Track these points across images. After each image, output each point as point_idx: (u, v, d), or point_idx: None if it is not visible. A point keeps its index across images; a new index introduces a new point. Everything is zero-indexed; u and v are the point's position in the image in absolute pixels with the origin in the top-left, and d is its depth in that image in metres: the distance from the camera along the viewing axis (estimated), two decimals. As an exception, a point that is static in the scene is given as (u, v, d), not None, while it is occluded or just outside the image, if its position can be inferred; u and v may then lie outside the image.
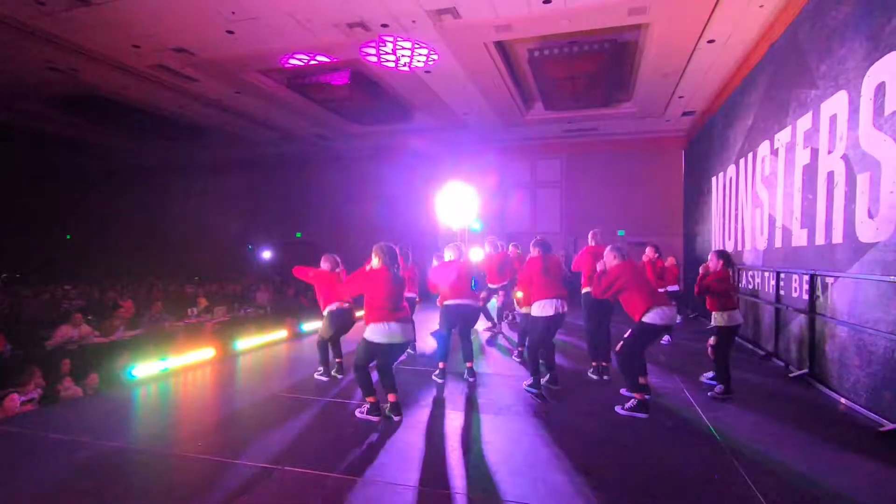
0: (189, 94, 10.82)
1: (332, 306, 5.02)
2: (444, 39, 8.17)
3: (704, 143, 10.59)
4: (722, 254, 4.85)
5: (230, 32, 7.79)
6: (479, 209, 11.04)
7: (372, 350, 3.92)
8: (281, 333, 7.17)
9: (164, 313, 8.16)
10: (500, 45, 8.76)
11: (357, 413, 3.98)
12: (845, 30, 4.58)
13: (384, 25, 7.65)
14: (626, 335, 4.21)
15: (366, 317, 3.92)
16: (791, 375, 5.30)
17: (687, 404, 4.36)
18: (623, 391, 4.46)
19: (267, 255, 16.53)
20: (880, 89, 4.03)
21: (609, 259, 4.40)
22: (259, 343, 6.65)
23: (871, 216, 4.14)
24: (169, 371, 5.33)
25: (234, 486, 2.88)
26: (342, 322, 5.10)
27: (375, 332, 3.84)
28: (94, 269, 16.27)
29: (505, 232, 13.73)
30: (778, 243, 6.14)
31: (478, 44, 8.40)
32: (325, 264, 5.18)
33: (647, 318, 4.06)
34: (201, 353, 5.75)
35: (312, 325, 7.93)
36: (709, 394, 4.58)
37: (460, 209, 9.86)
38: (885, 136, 3.95)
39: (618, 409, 4.13)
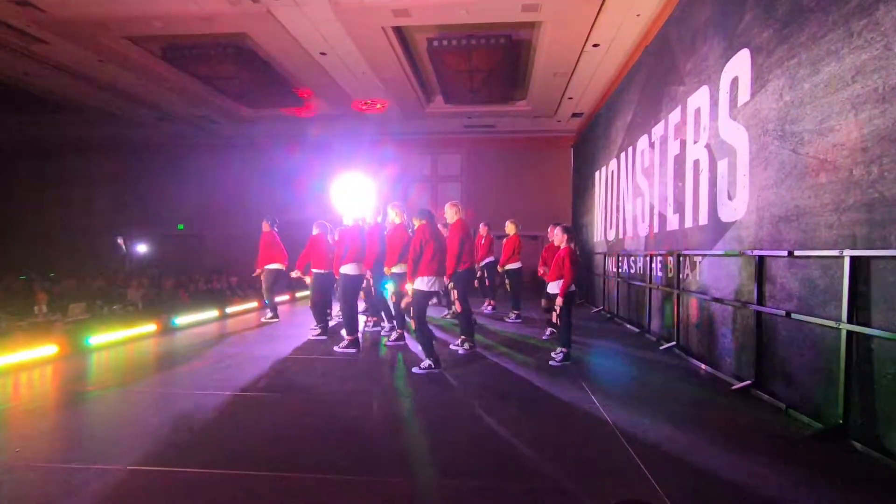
0: (38, 58, 9.29)
1: None
2: (339, 20, 7.81)
3: (590, 142, 11.32)
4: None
5: (87, -15, 6.78)
6: (379, 200, 10.77)
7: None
8: (148, 328, 6.31)
9: (1, 312, 6.84)
10: (400, 32, 8.60)
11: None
12: (706, 30, 5.04)
13: (275, -4, 7.14)
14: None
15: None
16: (661, 348, 5.74)
17: (568, 372, 4.51)
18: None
19: (142, 248, 14.77)
20: (734, 83, 4.47)
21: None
22: (119, 338, 5.78)
23: (730, 198, 4.57)
24: (-8, 372, 4.41)
25: (57, 491, 2.36)
26: None
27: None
28: None
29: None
30: (656, 228, 6.64)
31: (375, 27, 8.17)
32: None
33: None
34: (38, 351, 4.83)
35: (186, 319, 7.13)
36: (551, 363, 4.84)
37: (359, 199, 9.52)
38: (739, 126, 4.39)
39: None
